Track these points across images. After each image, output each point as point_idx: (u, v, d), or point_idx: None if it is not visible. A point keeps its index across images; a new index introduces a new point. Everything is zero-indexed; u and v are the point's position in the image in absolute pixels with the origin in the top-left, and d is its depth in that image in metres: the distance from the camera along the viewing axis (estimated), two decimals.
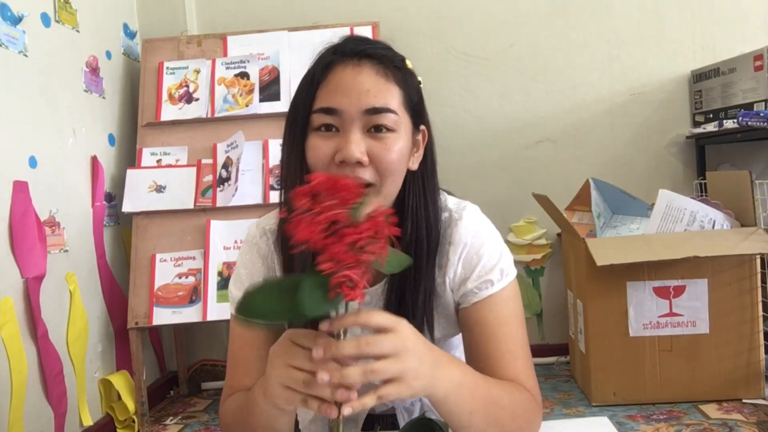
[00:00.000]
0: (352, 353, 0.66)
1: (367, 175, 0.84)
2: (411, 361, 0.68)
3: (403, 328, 0.70)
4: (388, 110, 0.85)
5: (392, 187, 0.87)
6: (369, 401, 0.67)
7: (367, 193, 0.60)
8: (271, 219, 0.99)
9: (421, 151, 0.92)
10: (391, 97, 0.86)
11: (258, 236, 0.98)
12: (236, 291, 0.98)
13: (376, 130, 0.84)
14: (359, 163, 0.83)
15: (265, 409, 0.78)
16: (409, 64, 0.92)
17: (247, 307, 0.64)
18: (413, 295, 0.90)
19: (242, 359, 0.95)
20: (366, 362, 0.66)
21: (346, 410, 0.66)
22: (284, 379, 0.69)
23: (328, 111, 0.84)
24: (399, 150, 0.85)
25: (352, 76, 0.85)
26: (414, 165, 0.91)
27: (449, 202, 0.96)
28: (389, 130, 0.85)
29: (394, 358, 0.67)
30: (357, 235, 0.60)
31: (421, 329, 0.91)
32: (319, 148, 0.85)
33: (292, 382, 0.68)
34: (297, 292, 0.61)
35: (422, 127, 0.92)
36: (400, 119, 0.86)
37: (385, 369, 0.67)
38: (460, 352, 1.04)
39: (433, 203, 0.92)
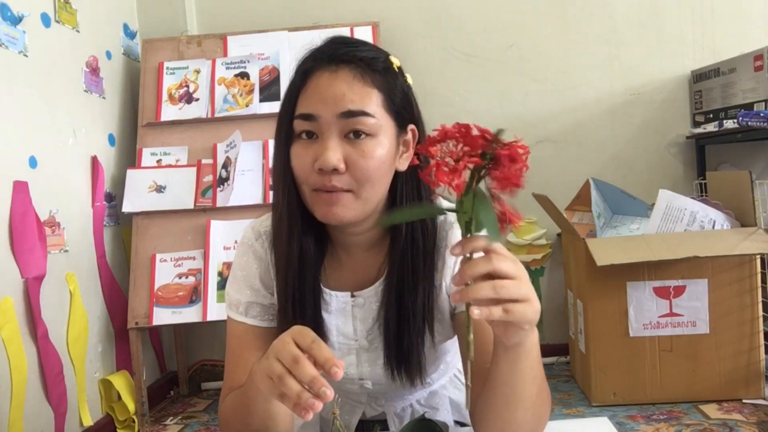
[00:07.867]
0: (484, 267, 0.65)
1: (342, 182, 0.83)
2: (532, 291, 0.68)
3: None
4: (365, 113, 0.84)
5: (372, 192, 0.86)
6: (496, 312, 0.65)
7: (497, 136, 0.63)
8: (266, 221, 0.99)
9: (411, 151, 0.90)
10: (369, 100, 0.84)
11: (254, 238, 0.98)
12: (233, 292, 0.98)
13: (355, 135, 0.84)
14: (336, 171, 0.83)
15: (262, 395, 0.78)
16: (395, 62, 0.90)
17: None
18: (412, 295, 0.90)
19: (241, 360, 0.95)
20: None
21: (476, 312, 0.64)
22: (268, 369, 0.70)
23: (306, 117, 0.85)
24: (378, 156, 0.84)
25: (328, 82, 0.84)
26: (403, 166, 0.90)
27: (445, 205, 0.95)
28: (368, 135, 0.84)
29: (520, 281, 0.67)
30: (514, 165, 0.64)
31: (422, 330, 0.91)
32: (299, 156, 0.86)
33: (273, 372, 0.69)
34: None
35: (411, 126, 0.91)
36: (379, 122, 0.85)
37: (513, 289, 0.66)
38: (451, 356, 1.04)
39: (428, 201, 0.92)
